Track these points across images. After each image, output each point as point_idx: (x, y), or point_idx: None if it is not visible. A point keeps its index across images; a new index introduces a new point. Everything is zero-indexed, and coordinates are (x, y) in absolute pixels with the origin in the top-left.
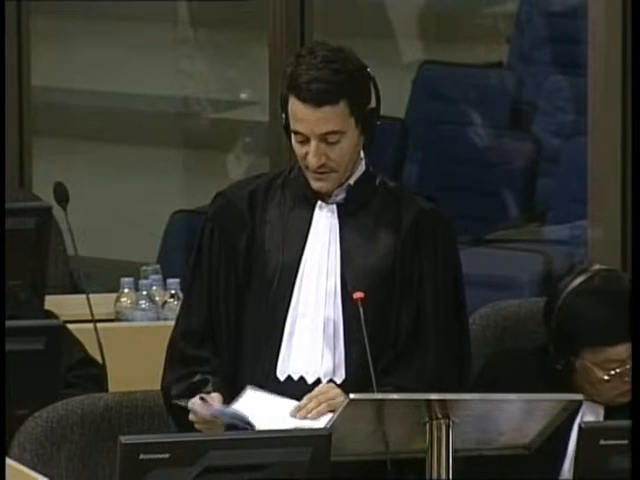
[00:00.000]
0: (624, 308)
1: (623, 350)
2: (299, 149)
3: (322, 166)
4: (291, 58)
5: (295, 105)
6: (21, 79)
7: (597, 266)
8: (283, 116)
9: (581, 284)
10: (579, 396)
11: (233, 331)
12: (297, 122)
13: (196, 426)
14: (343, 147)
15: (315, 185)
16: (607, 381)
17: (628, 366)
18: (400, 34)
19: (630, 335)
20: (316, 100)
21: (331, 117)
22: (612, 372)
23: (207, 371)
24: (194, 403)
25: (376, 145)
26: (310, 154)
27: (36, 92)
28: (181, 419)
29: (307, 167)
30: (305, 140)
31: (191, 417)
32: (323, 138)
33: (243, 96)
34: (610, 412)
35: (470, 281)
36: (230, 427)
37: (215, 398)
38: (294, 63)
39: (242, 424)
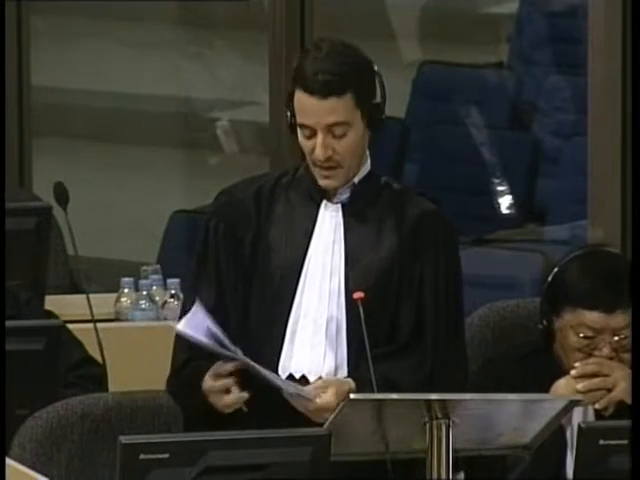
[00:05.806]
0: (610, 281)
1: (598, 317)
2: (306, 143)
3: (329, 159)
4: (298, 57)
5: (301, 97)
6: (21, 79)
7: (604, 247)
8: (288, 114)
9: (579, 255)
10: (579, 396)
11: (241, 327)
12: (304, 115)
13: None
14: (349, 140)
15: (322, 182)
16: (578, 350)
17: (602, 338)
18: (400, 34)
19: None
20: (322, 91)
21: (337, 108)
22: (582, 335)
23: (206, 356)
24: (206, 380)
25: (376, 145)
26: (317, 147)
27: (36, 92)
28: (191, 400)
29: (314, 162)
30: (312, 134)
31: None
32: (330, 130)
33: (243, 96)
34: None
35: (470, 281)
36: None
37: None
38: (300, 57)
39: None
